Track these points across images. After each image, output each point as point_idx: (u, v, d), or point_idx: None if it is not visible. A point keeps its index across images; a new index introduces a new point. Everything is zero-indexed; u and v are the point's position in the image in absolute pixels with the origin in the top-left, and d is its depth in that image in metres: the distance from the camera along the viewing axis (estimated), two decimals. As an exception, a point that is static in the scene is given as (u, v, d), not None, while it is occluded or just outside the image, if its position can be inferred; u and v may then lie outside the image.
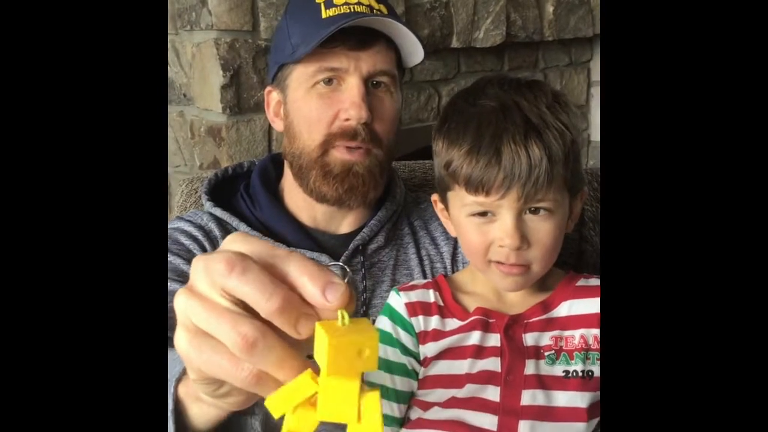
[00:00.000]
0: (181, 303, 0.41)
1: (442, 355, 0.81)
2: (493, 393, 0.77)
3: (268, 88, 1.01)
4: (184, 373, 0.53)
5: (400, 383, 0.81)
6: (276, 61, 0.97)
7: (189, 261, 0.92)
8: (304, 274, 0.39)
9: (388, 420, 0.80)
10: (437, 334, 0.82)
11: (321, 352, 0.38)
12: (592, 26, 2.33)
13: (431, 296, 0.85)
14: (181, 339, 0.41)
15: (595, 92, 2.47)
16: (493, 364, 0.79)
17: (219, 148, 1.64)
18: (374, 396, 0.39)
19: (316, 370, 0.39)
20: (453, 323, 0.83)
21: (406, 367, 0.82)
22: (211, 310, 0.39)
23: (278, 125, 1.00)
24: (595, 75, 2.49)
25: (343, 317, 0.39)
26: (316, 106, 0.92)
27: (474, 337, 0.80)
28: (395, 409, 0.81)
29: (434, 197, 0.87)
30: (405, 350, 0.82)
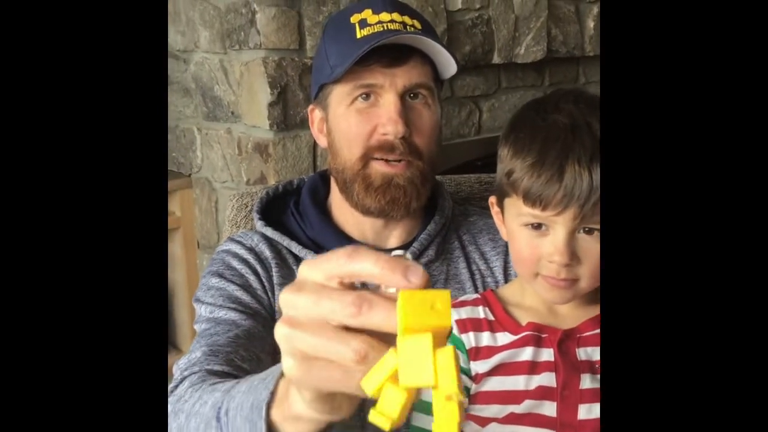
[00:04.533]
0: (284, 333, 0.45)
1: (496, 371, 0.81)
2: (549, 408, 0.78)
3: (311, 107, 1.04)
4: (272, 398, 0.55)
5: None
6: (317, 82, 1.01)
7: (242, 286, 0.94)
8: (383, 268, 0.43)
9: None
10: (489, 351, 0.82)
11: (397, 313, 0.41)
12: (634, 41, 2.32)
13: (481, 312, 0.85)
14: (291, 367, 0.45)
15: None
16: (548, 379, 0.79)
17: (266, 163, 1.67)
18: (448, 352, 0.41)
19: None
20: (505, 337, 0.83)
21: None
22: (320, 335, 0.43)
23: (322, 141, 1.03)
24: (637, 89, 2.48)
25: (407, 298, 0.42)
26: (355, 122, 0.94)
27: (527, 353, 0.81)
28: None
29: (492, 199, 0.88)
30: None
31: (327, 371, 0.44)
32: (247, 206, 1.18)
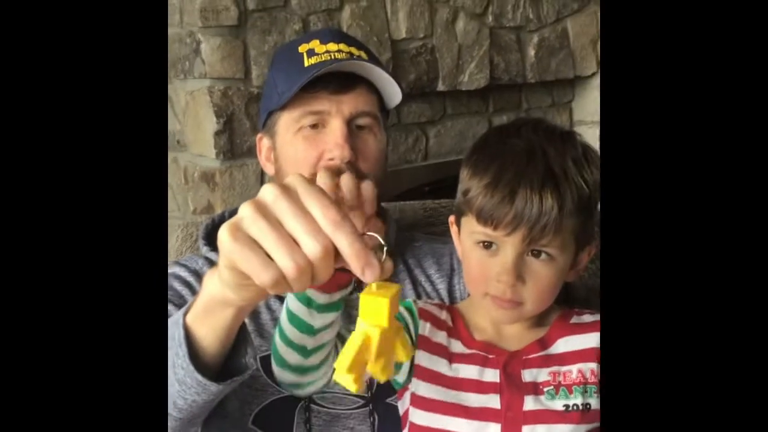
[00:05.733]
0: (248, 213, 0.51)
1: (439, 380, 0.83)
2: (493, 430, 0.79)
3: (260, 135, 1.05)
4: (188, 308, 0.65)
5: None
6: (265, 109, 1.02)
7: (179, 307, 0.92)
8: (353, 253, 0.50)
9: None
10: (440, 349, 0.84)
11: (378, 310, 0.54)
12: (573, 68, 2.40)
13: (443, 315, 0.88)
14: (226, 233, 0.52)
15: (578, 131, 2.53)
16: (492, 400, 0.81)
17: (213, 192, 1.66)
18: (401, 330, 0.57)
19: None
20: (458, 346, 0.85)
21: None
22: (276, 233, 0.50)
23: (269, 169, 1.04)
24: (578, 115, 2.56)
25: (370, 286, 0.54)
26: (302, 148, 0.96)
27: (472, 371, 0.82)
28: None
29: (451, 219, 0.90)
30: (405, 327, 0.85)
31: (252, 253, 0.50)
32: (192, 236, 1.17)
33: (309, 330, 0.74)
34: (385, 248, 0.52)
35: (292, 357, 0.76)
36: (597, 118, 2.51)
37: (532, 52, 2.27)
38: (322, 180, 0.64)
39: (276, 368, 0.79)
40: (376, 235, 0.56)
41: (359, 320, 0.55)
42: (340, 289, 0.73)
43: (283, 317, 0.76)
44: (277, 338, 0.77)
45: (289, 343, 0.76)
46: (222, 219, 1.09)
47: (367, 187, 0.67)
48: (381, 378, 0.56)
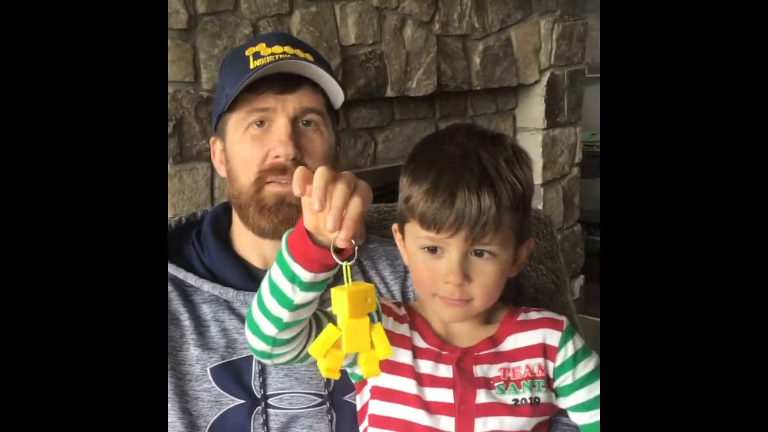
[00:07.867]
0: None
1: (401, 371, 0.85)
2: (447, 423, 0.82)
3: (212, 138, 1.07)
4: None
5: None
6: (215, 113, 1.05)
7: None
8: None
9: None
10: (405, 341, 0.87)
11: (341, 304, 0.67)
12: (516, 76, 2.47)
13: (402, 311, 0.90)
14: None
15: (522, 137, 2.61)
16: (445, 395, 0.84)
17: (161, 196, 1.65)
18: (379, 327, 0.70)
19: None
20: (417, 339, 0.88)
21: None
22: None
23: (222, 171, 1.06)
24: (521, 122, 2.63)
25: (347, 279, 0.69)
26: (249, 147, 0.98)
27: (427, 366, 0.85)
28: None
29: (394, 227, 0.93)
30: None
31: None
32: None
33: (288, 304, 0.75)
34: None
35: (267, 327, 0.77)
36: (539, 125, 2.59)
37: (477, 60, 2.32)
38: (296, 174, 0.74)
39: (249, 334, 0.79)
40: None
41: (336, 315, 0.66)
42: (325, 270, 0.74)
43: (265, 287, 0.76)
44: (254, 306, 0.78)
45: (267, 313, 0.76)
46: (178, 225, 1.09)
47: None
48: (336, 375, 0.69)
